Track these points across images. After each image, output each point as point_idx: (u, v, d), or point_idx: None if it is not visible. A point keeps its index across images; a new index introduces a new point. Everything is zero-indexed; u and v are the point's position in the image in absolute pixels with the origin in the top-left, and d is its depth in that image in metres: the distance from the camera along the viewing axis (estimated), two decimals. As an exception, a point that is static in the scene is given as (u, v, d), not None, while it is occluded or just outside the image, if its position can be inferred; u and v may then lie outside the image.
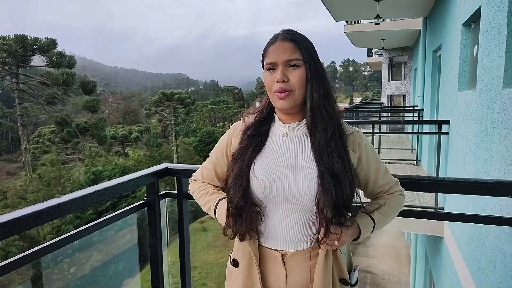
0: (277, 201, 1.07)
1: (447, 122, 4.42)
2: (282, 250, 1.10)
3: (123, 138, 37.00)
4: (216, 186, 1.30)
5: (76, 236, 1.27)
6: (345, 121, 1.17)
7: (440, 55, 5.85)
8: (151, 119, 43.61)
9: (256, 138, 1.13)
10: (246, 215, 1.06)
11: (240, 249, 1.14)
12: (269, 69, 1.08)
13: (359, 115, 10.76)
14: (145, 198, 1.71)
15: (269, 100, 1.14)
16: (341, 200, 1.01)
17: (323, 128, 1.05)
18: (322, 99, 1.07)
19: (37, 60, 26.23)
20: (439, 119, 5.29)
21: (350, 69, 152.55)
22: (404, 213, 1.60)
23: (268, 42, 1.10)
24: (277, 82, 1.04)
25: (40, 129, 35.04)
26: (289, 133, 1.12)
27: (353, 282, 1.15)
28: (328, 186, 1.01)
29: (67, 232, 1.31)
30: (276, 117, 1.16)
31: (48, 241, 1.17)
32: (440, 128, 4.42)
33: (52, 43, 25.75)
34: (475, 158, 3.07)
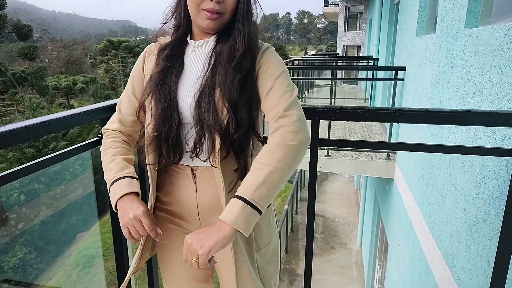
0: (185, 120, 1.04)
1: (403, 68, 4.50)
2: (193, 166, 1.06)
3: (67, 89, 34.62)
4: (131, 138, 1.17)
5: (24, 171, 1.11)
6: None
7: (398, 2, 5.84)
8: (97, 69, 40.92)
9: (176, 59, 1.05)
10: (178, 143, 1.03)
11: None
12: None
13: (315, 64, 10.76)
14: (100, 135, 1.56)
15: (184, 11, 1.04)
16: (219, 127, 0.96)
17: (240, 52, 0.98)
18: (250, 24, 1.01)
19: (-42, -2, 23.02)
20: (395, 66, 5.39)
21: (305, 21, 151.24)
22: (361, 145, 1.63)
23: None
24: (211, 0, 0.94)
25: (-30, 78, 31.65)
26: (196, 50, 1.06)
27: None
28: (206, 110, 0.96)
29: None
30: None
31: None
32: (396, 74, 4.51)
33: (-25, -22, 22.60)
34: (431, 101, 3.17)
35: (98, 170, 1.97)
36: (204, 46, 1.05)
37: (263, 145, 0.99)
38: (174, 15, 1.07)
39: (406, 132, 4.21)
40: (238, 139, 0.97)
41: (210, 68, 1.01)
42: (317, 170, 1.47)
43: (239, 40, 0.98)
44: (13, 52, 29.59)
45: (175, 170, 1.09)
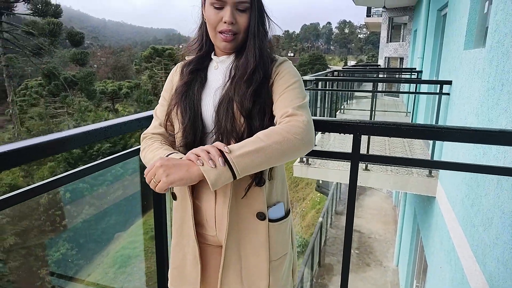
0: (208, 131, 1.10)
1: (449, 82, 4.35)
2: None
3: (112, 94, 36.32)
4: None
5: (81, 173, 1.20)
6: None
7: (446, 13, 5.67)
8: (141, 75, 42.58)
9: (199, 73, 1.14)
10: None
11: None
12: (214, 5, 1.04)
13: (355, 75, 10.59)
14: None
15: (206, 35, 1.14)
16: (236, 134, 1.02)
17: (251, 68, 1.06)
18: (263, 42, 1.09)
19: (21, 8, 24.90)
20: (440, 79, 5.21)
21: (346, 31, 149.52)
22: (401, 162, 1.58)
23: None
24: (225, 23, 1.03)
25: (27, 81, 33.97)
26: (219, 65, 1.15)
27: (273, 217, 1.11)
28: (224, 117, 1.02)
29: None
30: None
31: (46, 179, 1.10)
32: (441, 88, 4.36)
33: (37, -11, 24.35)
34: (478, 117, 3.04)
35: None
36: (226, 61, 1.15)
37: None
38: (198, 38, 1.18)
39: (450, 150, 4.05)
40: None
41: (229, 80, 1.08)
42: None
43: (250, 56, 1.07)
44: (66, 57, 31.45)
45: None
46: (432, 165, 1.72)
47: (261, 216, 1.08)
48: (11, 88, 24.77)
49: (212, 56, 1.17)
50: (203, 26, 1.15)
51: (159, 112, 1.21)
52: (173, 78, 1.21)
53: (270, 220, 1.10)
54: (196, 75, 1.14)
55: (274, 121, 1.04)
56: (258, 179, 1.04)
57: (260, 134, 0.94)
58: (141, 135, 1.22)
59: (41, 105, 26.40)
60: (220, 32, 1.06)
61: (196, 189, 1.13)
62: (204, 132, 1.09)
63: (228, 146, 0.91)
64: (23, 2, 24.48)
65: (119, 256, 13.28)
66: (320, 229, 8.61)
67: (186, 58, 1.21)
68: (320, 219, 8.98)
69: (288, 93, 1.03)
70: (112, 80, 43.80)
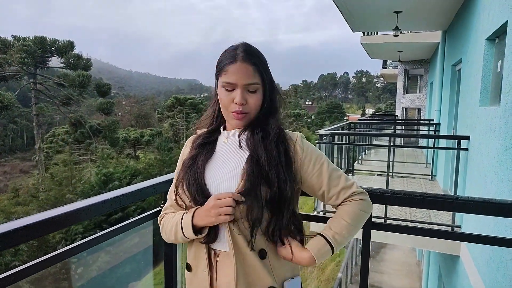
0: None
1: (467, 138, 4.32)
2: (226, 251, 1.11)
3: (135, 141, 37.32)
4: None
5: (94, 242, 1.24)
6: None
7: (460, 69, 5.75)
8: (163, 123, 43.89)
9: (206, 146, 1.19)
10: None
11: (191, 253, 1.17)
12: (226, 88, 1.10)
13: (373, 127, 10.61)
14: (162, 205, 1.68)
15: (218, 112, 1.19)
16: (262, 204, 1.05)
17: (259, 137, 1.11)
18: (269, 115, 1.15)
19: (55, 62, 26.70)
20: (458, 135, 5.17)
21: (363, 80, 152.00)
22: (418, 232, 1.55)
23: (226, 57, 1.10)
24: (236, 104, 1.08)
25: (55, 129, 35.54)
26: (228, 139, 1.18)
27: None
28: (257, 207, 1.04)
29: (77, 235, 1.27)
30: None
31: (74, 242, 1.14)
32: (459, 143, 4.32)
33: (70, 45, 26.21)
34: (498, 177, 2.98)
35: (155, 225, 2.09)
36: (235, 135, 1.17)
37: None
38: (210, 115, 1.23)
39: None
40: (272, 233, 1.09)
41: (247, 161, 1.09)
42: (374, 241, 1.44)
43: (270, 129, 1.13)
44: (92, 106, 32.89)
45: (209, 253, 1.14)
46: (452, 237, 1.68)
47: None
48: (39, 135, 25.92)
49: (222, 130, 1.21)
50: (216, 103, 1.20)
51: (171, 194, 1.25)
52: (184, 154, 1.25)
53: None
54: (203, 148, 1.18)
55: (328, 197, 1.15)
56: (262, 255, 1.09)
57: (347, 219, 1.10)
58: (158, 217, 1.27)
59: (66, 152, 27.23)
60: (232, 112, 1.11)
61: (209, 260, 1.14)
62: None
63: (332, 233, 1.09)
64: (57, 56, 26.30)
65: (132, 308, 12.90)
66: (339, 286, 8.22)
67: (197, 131, 1.26)
68: (340, 274, 8.60)
69: (333, 179, 1.14)
70: (135, 128, 45.20)
